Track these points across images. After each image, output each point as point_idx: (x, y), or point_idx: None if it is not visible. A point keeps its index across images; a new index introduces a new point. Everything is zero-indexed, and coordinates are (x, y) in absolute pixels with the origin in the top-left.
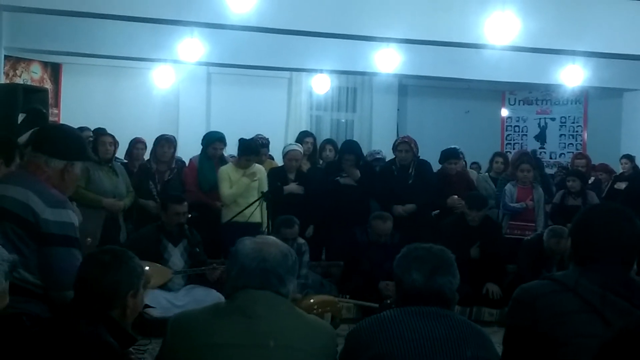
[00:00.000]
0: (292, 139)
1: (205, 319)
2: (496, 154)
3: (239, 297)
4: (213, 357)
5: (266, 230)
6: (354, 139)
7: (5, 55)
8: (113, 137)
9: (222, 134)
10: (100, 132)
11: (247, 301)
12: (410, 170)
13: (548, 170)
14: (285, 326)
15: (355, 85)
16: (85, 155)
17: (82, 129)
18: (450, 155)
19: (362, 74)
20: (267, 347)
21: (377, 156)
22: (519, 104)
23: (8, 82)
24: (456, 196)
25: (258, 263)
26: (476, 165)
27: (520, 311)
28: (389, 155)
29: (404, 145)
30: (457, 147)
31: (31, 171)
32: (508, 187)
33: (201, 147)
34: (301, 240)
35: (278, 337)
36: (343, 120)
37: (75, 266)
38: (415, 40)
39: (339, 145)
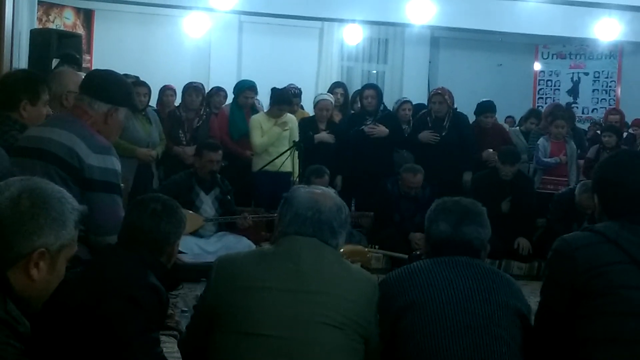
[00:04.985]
0: (322, 89)
1: (251, 262)
2: (531, 114)
3: (286, 242)
4: (256, 299)
5: (297, 179)
6: (385, 91)
7: (38, 1)
8: (148, 87)
9: (253, 82)
10: (136, 83)
11: (294, 247)
12: (445, 123)
13: (579, 125)
14: (329, 273)
15: (387, 36)
16: (130, 103)
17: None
18: (486, 108)
19: (394, 24)
20: (310, 292)
21: (404, 99)
22: (552, 58)
23: (41, 27)
24: (491, 150)
25: (313, 213)
26: (511, 119)
27: (560, 261)
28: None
29: (438, 96)
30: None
31: (77, 115)
32: (541, 141)
33: (232, 96)
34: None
35: (322, 284)
36: (374, 72)
37: (116, 212)
38: None
39: None
